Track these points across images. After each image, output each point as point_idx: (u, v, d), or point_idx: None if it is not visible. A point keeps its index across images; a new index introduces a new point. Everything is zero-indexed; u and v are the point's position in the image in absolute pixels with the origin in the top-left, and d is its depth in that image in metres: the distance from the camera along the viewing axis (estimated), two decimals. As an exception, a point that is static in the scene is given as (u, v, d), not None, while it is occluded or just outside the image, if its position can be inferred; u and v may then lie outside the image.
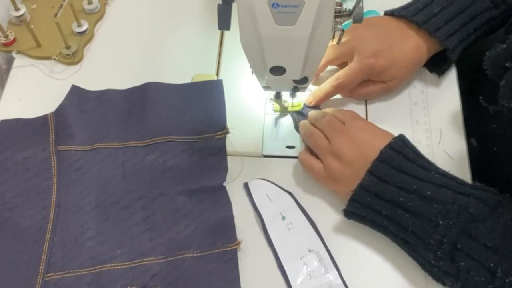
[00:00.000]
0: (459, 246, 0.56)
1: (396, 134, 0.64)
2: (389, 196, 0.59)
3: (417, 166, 0.60)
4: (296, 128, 0.73)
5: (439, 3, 0.71)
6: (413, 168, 0.60)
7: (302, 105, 0.74)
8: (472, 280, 0.55)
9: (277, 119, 0.74)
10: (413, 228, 0.58)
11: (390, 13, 0.74)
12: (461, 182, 0.59)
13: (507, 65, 0.57)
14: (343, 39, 0.69)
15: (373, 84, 0.73)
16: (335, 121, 0.67)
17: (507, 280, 0.53)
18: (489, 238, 0.55)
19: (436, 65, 0.75)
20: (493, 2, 0.71)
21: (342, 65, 0.74)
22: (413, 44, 0.71)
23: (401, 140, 0.62)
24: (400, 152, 0.61)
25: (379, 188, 0.60)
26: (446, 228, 0.56)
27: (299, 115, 0.73)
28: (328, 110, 0.71)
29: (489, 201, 0.57)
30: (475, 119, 0.74)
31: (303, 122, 0.71)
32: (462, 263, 0.56)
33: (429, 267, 0.59)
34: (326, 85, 0.72)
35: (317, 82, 0.75)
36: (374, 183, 0.60)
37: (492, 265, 0.54)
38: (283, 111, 0.74)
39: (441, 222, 0.56)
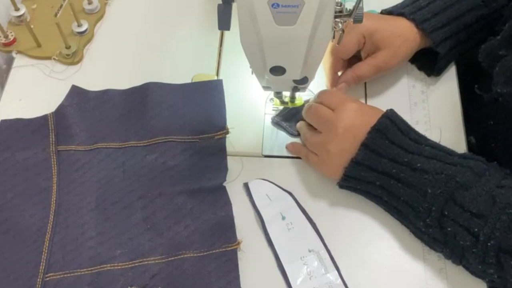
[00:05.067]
0: (446, 213, 0.58)
1: None
2: (382, 168, 0.62)
3: (408, 139, 0.62)
4: (290, 132, 0.73)
5: None
6: (405, 141, 0.62)
7: (302, 101, 0.74)
8: (458, 245, 0.58)
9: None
10: (405, 197, 0.61)
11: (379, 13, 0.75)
12: (450, 153, 0.62)
13: (500, 53, 0.58)
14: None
15: (366, 64, 0.72)
16: (323, 113, 0.66)
17: (488, 244, 0.55)
18: (473, 204, 0.57)
19: (431, 64, 0.75)
20: (484, 0, 0.71)
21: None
22: (405, 23, 0.71)
23: (394, 112, 0.64)
24: (395, 122, 0.62)
25: (373, 161, 0.62)
26: (434, 197, 0.58)
27: (290, 118, 0.73)
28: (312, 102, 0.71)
29: (476, 169, 0.59)
30: (474, 117, 0.74)
31: (301, 126, 0.71)
32: (449, 229, 0.58)
33: (420, 234, 0.62)
34: (326, 57, 0.72)
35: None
36: (368, 156, 0.62)
37: (476, 230, 0.56)
38: (284, 106, 0.74)
39: (429, 191, 0.59)
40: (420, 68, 0.77)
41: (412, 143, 0.62)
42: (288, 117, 0.74)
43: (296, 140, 0.73)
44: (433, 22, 0.70)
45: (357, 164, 0.62)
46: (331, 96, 0.67)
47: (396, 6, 0.74)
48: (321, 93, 0.68)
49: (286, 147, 0.72)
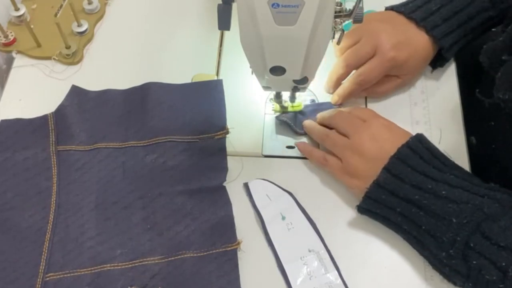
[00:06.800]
0: (472, 245, 0.55)
1: None
2: (404, 194, 0.59)
3: (432, 167, 0.60)
4: (295, 131, 0.73)
5: (437, 1, 0.71)
6: (428, 169, 0.60)
7: (302, 106, 0.74)
8: (483, 279, 0.55)
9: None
10: (427, 226, 0.59)
11: (390, 9, 0.75)
12: (476, 184, 0.59)
13: (503, 58, 0.58)
14: (356, 37, 0.71)
15: (388, 81, 0.73)
16: (355, 118, 0.67)
17: None
18: (502, 237, 0.55)
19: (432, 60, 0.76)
20: (492, 2, 0.71)
21: None
22: (425, 39, 0.71)
23: (418, 140, 0.63)
24: (416, 152, 0.61)
25: (395, 186, 0.60)
26: (460, 227, 0.56)
27: (293, 118, 0.73)
28: (343, 109, 0.71)
29: (503, 201, 0.57)
30: (475, 117, 0.74)
31: (311, 124, 0.71)
32: (474, 262, 0.55)
33: (440, 266, 0.60)
34: (349, 83, 0.72)
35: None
36: (390, 181, 0.60)
37: (503, 264, 0.54)
38: (283, 111, 0.74)
39: (454, 220, 0.56)
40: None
41: (436, 171, 0.60)
42: (292, 116, 0.73)
43: (301, 138, 0.72)
44: (443, 28, 0.70)
45: (378, 186, 0.61)
46: (348, 121, 0.67)
47: (408, 6, 0.73)
48: (334, 116, 0.69)
49: (297, 146, 0.71)
